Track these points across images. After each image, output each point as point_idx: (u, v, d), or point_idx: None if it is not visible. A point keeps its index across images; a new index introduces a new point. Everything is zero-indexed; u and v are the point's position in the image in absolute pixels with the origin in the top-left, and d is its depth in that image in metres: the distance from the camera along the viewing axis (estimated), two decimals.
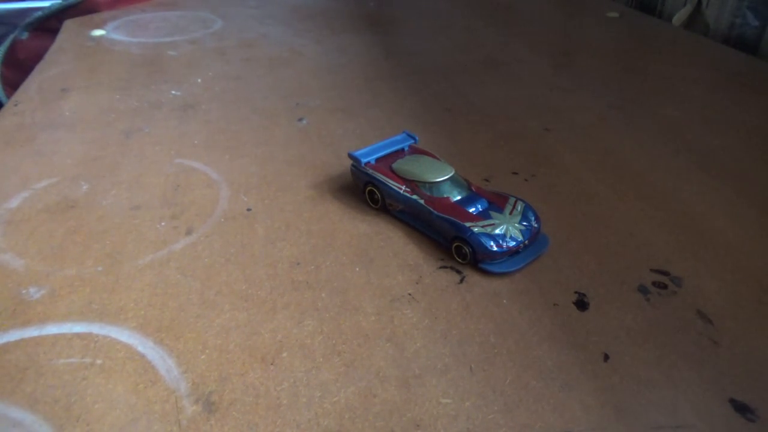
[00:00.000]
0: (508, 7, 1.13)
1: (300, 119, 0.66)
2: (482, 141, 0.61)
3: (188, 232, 0.47)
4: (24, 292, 0.40)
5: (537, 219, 0.44)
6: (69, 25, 0.99)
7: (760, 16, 0.89)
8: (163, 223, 0.48)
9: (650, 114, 0.68)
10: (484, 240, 0.41)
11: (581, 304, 0.40)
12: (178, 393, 0.33)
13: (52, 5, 1.02)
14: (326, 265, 0.43)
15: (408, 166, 0.48)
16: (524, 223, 0.43)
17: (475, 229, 0.42)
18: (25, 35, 1.00)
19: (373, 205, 0.49)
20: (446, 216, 0.43)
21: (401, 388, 0.34)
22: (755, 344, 0.37)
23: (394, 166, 0.48)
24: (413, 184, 0.46)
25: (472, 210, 0.44)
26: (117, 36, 0.94)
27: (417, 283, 0.41)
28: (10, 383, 0.34)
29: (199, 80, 0.76)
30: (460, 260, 0.43)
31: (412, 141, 0.52)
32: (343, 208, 0.50)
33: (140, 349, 0.36)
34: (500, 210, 0.44)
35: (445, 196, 0.45)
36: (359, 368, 0.35)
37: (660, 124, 0.65)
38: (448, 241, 0.44)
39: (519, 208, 0.45)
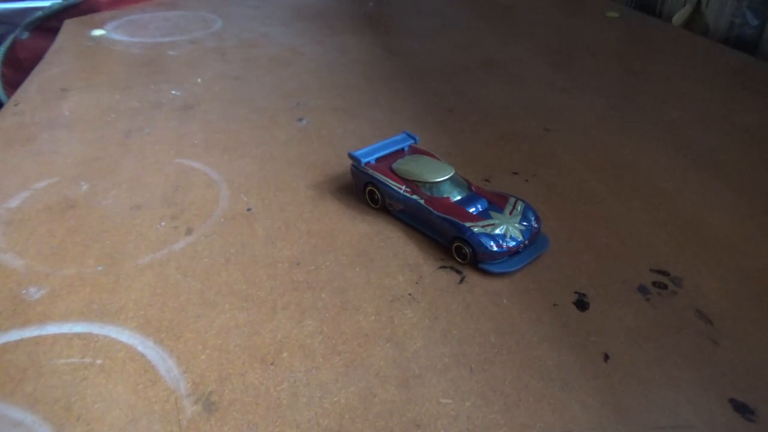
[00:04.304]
0: (509, 8, 1.13)
1: (300, 119, 0.66)
2: (482, 141, 0.61)
3: (188, 232, 0.47)
4: (24, 292, 0.40)
5: (537, 219, 0.44)
6: (69, 25, 0.99)
7: (759, 16, 0.89)
8: (163, 223, 0.48)
9: (650, 114, 0.68)
10: (484, 240, 0.41)
11: (581, 304, 0.40)
12: (178, 393, 0.33)
13: (52, 5, 1.02)
14: (326, 265, 0.43)
15: (408, 166, 0.48)
16: (524, 223, 0.43)
17: (475, 229, 0.42)
18: (25, 35, 1.00)
19: (373, 205, 0.49)
20: (446, 216, 0.43)
21: (401, 388, 0.34)
22: (755, 344, 0.37)
23: (394, 166, 0.48)
24: (413, 184, 0.46)
25: (472, 210, 0.44)
26: (117, 36, 0.94)
27: (417, 283, 0.41)
28: (10, 383, 0.34)
29: (199, 80, 0.76)
30: (460, 260, 0.43)
31: (412, 141, 0.52)
32: (343, 208, 0.50)
33: (140, 349, 0.36)
34: (500, 210, 0.44)
35: (445, 196, 0.45)
36: (359, 368, 0.35)
37: (660, 124, 0.65)
38: (448, 241, 0.44)
39: (519, 208, 0.45)
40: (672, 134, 0.63)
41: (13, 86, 0.87)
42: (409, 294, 0.40)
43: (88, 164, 0.56)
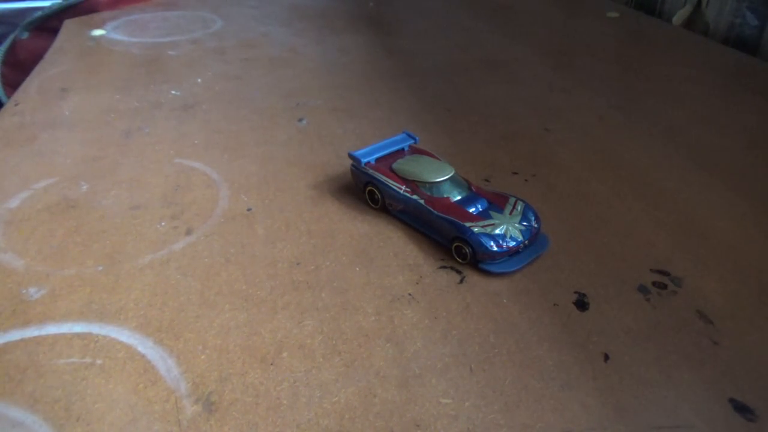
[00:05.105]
0: (508, 7, 1.13)
1: (300, 119, 0.66)
2: (482, 141, 0.61)
3: (188, 232, 0.47)
4: (24, 292, 0.40)
5: (537, 219, 0.44)
6: (69, 25, 0.99)
7: (759, 16, 0.89)
8: (163, 223, 0.48)
9: (650, 114, 0.68)
10: (484, 240, 0.41)
11: (581, 304, 0.40)
12: (178, 393, 0.33)
13: (52, 5, 1.02)
14: (326, 265, 0.43)
15: (408, 166, 0.48)
16: (524, 223, 0.43)
17: (475, 229, 0.42)
18: (25, 35, 1.00)
19: (373, 205, 0.49)
20: (446, 216, 0.43)
21: (401, 388, 0.34)
22: (755, 344, 0.37)
23: (394, 166, 0.48)
24: (413, 184, 0.46)
25: (472, 210, 0.44)
26: (117, 36, 0.94)
27: (417, 283, 0.41)
28: (10, 383, 0.34)
29: (199, 80, 0.76)
30: (460, 260, 0.43)
31: (412, 141, 0.52)
32: (343, 208, 0.50)
33: (140, 349, 0.36)
34: (500, 210, 0.44)
35: (445, 196, 0.45)
36: (359, 368, 0.35)
37: (660, 123, 0.65)
38: (448, 241, 0.44)
39: (519, 208, 0.45)
40: (672, 134, 0.63)
41: (13, 86, 0.87)
42: (409, 294, 0.40)
43: (88, 164, 0.56)
